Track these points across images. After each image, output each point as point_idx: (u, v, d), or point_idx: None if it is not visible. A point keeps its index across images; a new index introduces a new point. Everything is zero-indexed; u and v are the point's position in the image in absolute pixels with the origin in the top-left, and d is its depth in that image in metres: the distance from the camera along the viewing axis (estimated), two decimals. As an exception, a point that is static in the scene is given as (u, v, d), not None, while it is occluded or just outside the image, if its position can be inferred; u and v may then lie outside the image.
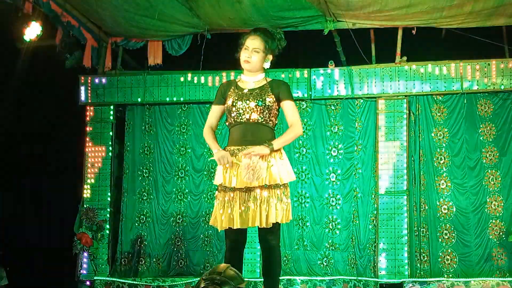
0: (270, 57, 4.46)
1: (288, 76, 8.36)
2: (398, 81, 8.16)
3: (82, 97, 8.68)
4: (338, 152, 8.36)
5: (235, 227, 4.31)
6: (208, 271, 3.64)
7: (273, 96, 4.37)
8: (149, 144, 8.72)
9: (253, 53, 4.39)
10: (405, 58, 8.23)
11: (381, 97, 8.22)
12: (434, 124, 8.20)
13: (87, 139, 8.62)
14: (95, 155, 8.56)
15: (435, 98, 8.22)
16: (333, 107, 8.42)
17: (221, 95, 4.51)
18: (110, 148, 8.59)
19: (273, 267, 4.38)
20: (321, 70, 8.36)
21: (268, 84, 4.43)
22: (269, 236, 4.37)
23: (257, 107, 4.35)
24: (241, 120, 4.38)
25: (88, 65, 8.52)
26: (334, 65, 8.37)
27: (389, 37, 8.29)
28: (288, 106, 4.40)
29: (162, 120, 8.70)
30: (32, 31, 7.16)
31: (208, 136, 4.52)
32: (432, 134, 8.19)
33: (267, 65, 4.46)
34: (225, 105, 4.45)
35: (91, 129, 8.64)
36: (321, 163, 8.36)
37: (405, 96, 8.19)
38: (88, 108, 8.69)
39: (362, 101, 8.35)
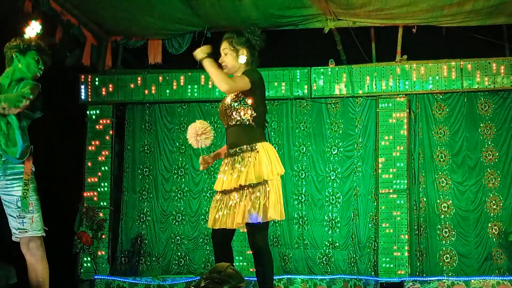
0: (244, 51, 4.47)
1: (288, 75, 8.35)
2: (399, 79, 8.16)
3: (82, 96, 8.68)
4: (338, 150, 8.35)
5: (215, 227, 4.38)
6: (208, 270, 3.65)
7: (240, 95, 4.37)
8: (149, 143, 8.72)
9: (223, 56, 4.50)
10: (405, 56, 8.23)
11: (381, 95, 8.22)
12: (435, 122, 8.20)
13: (87, 138, 8.61)
14: (95, 154, 8.56)
15: (436, 97, 8.22)
16: (333, 106, 8.41)
17: None
18: (110, 147, 8.58)
19: (260, 268, 4.34)
20: (322, 69, 8.35)
21: None
22: (250, 237, 4.36)
23: (227, 111, 4.42)
24: (225, 127, 4.53)
25: (88, 64, 8.50)
26: (334, 63, 8.37)
27: (389, 35, 8.29)
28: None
29: (162, 119, 8.70)
30: (32, 29, 7.13)
31: None
32: (433, 133, 8.19)
33: (242, 59, 4.47)
34: None
35: (91, 127, 8.63)
36: (321, 162, 8.36)
37: (406, 94, 8.18)
38: (88, 106, 8.68)
39: (362, 99, 8.35)
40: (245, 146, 4.34)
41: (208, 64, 4.30)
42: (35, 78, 4.55)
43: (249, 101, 4.37)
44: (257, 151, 4.31)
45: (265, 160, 4.29)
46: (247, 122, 4.37)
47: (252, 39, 4.49)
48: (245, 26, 4.62)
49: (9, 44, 4.57)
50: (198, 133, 4.43)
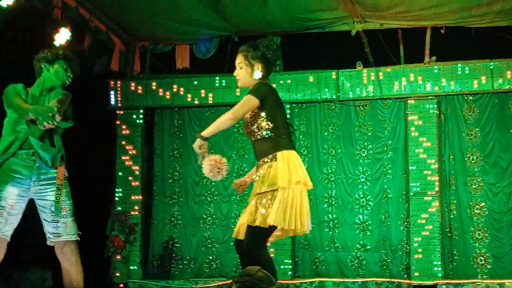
0: (259, 66, 4.41)
1: (316, 78, 8.34)
2: (428, 81, 8.10)
3: (112, 101, 8.75)
4: (367, 153, 8.31)
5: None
6: (239, 274, 3.65)
7: (256, 110, 4.34)
8: (179, 147, 8.76)
9: (238, 69, 4.48)
10: (434, 58, 8.16)
11: (410, 97, 8.16)
12: (465, 124, 8.12)
13: (117, 143, 8.68)
14: (126, 159, 8.62)
15: (466, 98, 8.14)
16: (361, 108, 8.38)
17: None
18: (140, 152, 8.64)
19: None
20: (349, 71, 8.32)
21: None
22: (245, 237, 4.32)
23: (247, 127, 4.42)
24: (251, 142, 4.53)
25: (116, 70, 8.58)
26: (362, 66, 8.33)
27: (417, 36, 8.23)
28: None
29: (191, 123, 8.74)
30: (62, 36, 7.22)
31: None
32: (463, 134, 8.11)
33: (257, 75, 4.42)
34: None
35: (121, 133, 8.70)
36: (351, 164, 8.33)
37: (435, 96, 8.12)
38: (117, 112, 8.76)
39: (391, 101, 8.30)
40: (266, 158, 4.34)
41: (207, 133, 4.31)
42: (64, 86, 4.63)
43: (263, 114, 4.35)
44: (275, 160, 4.30)
45: (281, 168, 4.25)
46: (267, 135, 4.36)
47: (267, 54, 4.44)
48: (261, 39, 4.53)
49: (37, 56, 4.70)
50: (216, 166, 4.40)
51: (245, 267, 4.09)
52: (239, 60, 4.47)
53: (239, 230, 4.37)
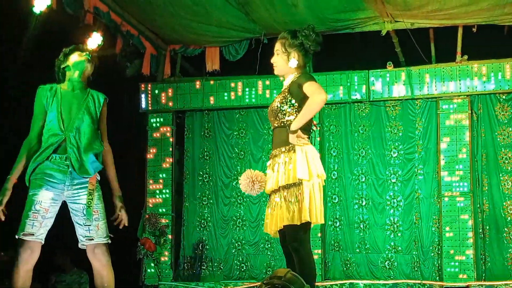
0: (295, 54, 4.43)
1: (346, 78, 8.31)
2: (459, 80, 8.01)
3: (143, 105, 8.83)
4: (398, 153, 8.25)
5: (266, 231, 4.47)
6: (268, 276, 3.66)
7: (287, 95, 4.37)
8: (208, 149, 8.80)
9: (275, 56, 4.50)
10: (466, 57, 8.07)
11: (441, 97, 8.08)
12: (498, 123, 8.02)
13: (148, 146, 8.76)
14: (156, 162, 8.69)
15: (498, 97, 8.04)
16: (392, 108, 8.32)
17: None
18: (171, 154, 8.71)
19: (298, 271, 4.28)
20: (380, 72, 8.27)
21: (290, 85, 4.43)
22: (287, 238, 4.33)
23: (273, 112, 4.43)
24: (272, 129, 4.54)
25: (147, 73, 8.66)
26: (393, 65, 8.27)
27: (449, 35, 8.14)
28: (307, 88, 4.31)
29: (221, 125, 8.77)
30: (94, 41, 7.30)
31: None
32: (496, 134, 8.00)
33: (292, 63, 4.42)
34: None
35: (151, 135, 8.78)
36: (381, 165, 8.28)
37: (467, 95, 8.02)
38: (148, 115, 8.84)
39: (422, 101, 8.23)
40: (284, 148, 4.34)
41: (297, 125, 4.26)
42: (89, 62, 4.70)
43: (296, 104, 4.37)
44: (294, 151, 4.29)
45: (300, 160, 4.26)
46: (289, 122, 4.35)
47: (306, 43, 4.44)
48: (301, 28, 4.52)
49: (55, 67, 4.81)
50: (253, 181, 4.43)
51: (290, 266, 4.13)
52: (277, 46, 4.51)
53: (266, 224, 4.43)
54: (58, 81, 4.78)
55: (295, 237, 4.28)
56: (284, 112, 4.37)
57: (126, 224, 4.72)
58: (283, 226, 4.29)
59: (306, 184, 4.24)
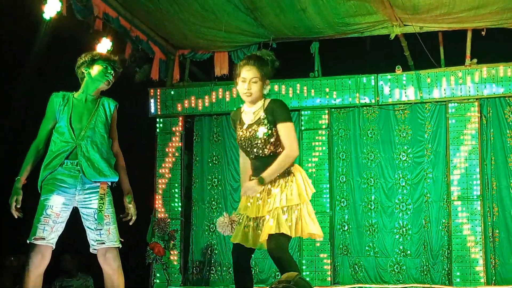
0: (268, 81, 4.33)
1: (355, 82, 8.31)
2: (469, 84, 7.99)
3: (152, 109, 8.87)
4: (407, 156, 8.25)
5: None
6: (277, 280, 3.66)
7: (268, 125, 4.25)
8: (217, 154, 8.83)
9: (251, 84, 4.26)
10: (475, 60, 8.06)
11: (451, 100, 8.07)
12: (507, 126, 8.00)
13: (157, 150, 8.79)
14: (165, 166, 8.72)
15: (508, 100, 8.02)
16: (401, 112, 8.32)
17: (234, 129, 4.52)
18: (180, 159, 8.73)
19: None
20: (389, 76, 8.27)
21: (264, 113, 4.28)
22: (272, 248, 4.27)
23: (257, 144, 4.27)
24: (251, 156, 4.35)
25: (156, 78, 8.70)
26: (401, 69, 8.27)
27: (458, 39, 8.13)
28: (280, 130, 4.23)
29: (229, 130, 8.79)
30: (103, 46, 7.37)
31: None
32: (506, 137, 7.98)
33: (267, 90, 4.34)
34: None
35: (160, 140, 8.81)
36: (390, 168, 8.27)
37: (476, 99, 8.01)
38: (157, 119, 8.87)
39: (431, 104, 8.22)
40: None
41: (269, 177, 4.20)
42: (108, 84, 4.71)
43: (274, 133, 4.27)
44: (293, 175, 4.27)
45: (300, 183, 4.25)
46: (279, 150, 4.27)
47: (273, 68, 4.37)
48: (261, 53, 4.39)
49: (77, 63, 4.77)
50: (232, 220, 4.39)
51: (283, 271, 4.12)
52: (255, 73, 4.26)
53: (249, 238, 4.38)
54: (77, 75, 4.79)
55: (282, 245, 4.22)
56: (274, 143, 4.26)
57: (134, 218, 4.72)
58: (271, 234, 4.21)
59: (303, 204, 4.25)
